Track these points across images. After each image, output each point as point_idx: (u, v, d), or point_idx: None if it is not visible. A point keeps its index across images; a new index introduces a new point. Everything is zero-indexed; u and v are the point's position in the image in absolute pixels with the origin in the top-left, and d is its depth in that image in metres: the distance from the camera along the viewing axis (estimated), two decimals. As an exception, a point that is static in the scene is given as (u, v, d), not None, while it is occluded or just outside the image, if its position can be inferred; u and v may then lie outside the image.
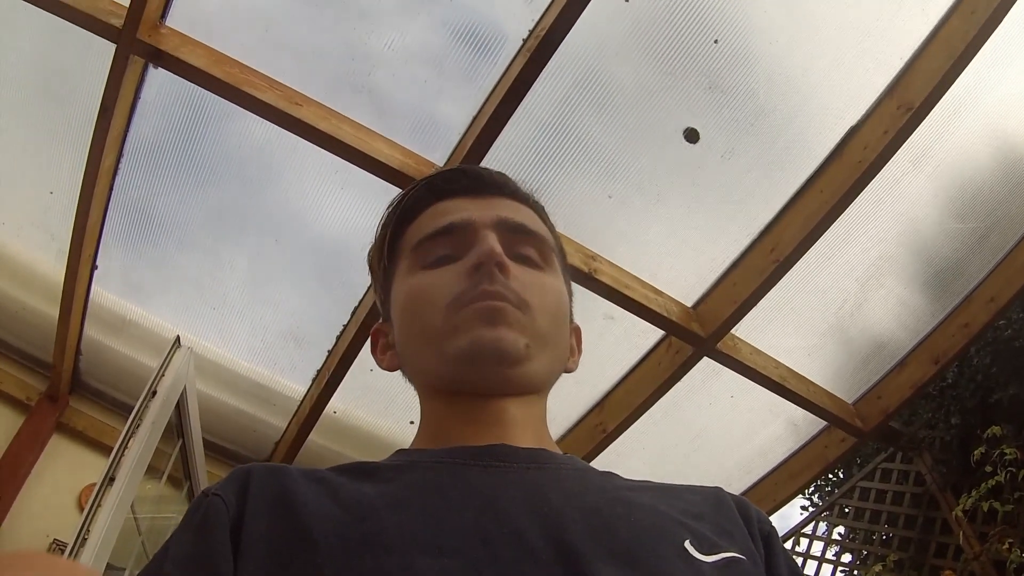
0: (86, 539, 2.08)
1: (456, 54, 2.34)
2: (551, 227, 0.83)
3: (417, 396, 0.78)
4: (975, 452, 3.74)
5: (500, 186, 0.80)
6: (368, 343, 0.87)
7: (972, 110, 2.51)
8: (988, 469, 3.56)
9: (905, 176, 2.65)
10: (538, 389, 0.74)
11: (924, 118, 2.34)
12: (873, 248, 2.81)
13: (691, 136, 2.57)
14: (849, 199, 2.49)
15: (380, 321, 0.83)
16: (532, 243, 0.77)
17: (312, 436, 3.06)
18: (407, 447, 0.74)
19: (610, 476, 0.71)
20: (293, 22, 2.36)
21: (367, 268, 0.86)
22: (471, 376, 0.70)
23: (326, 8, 2.34)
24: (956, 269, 2.90)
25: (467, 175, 0.81)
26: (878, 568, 3.79)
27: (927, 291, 2.99)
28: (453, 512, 0.59)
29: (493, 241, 0.72)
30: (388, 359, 0.80)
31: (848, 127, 2.49)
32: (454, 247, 0.74)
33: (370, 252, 0.85)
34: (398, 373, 0.80)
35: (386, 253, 0.80)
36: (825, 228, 2.55)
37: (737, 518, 0.67)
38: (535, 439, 0.71)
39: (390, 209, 0.82)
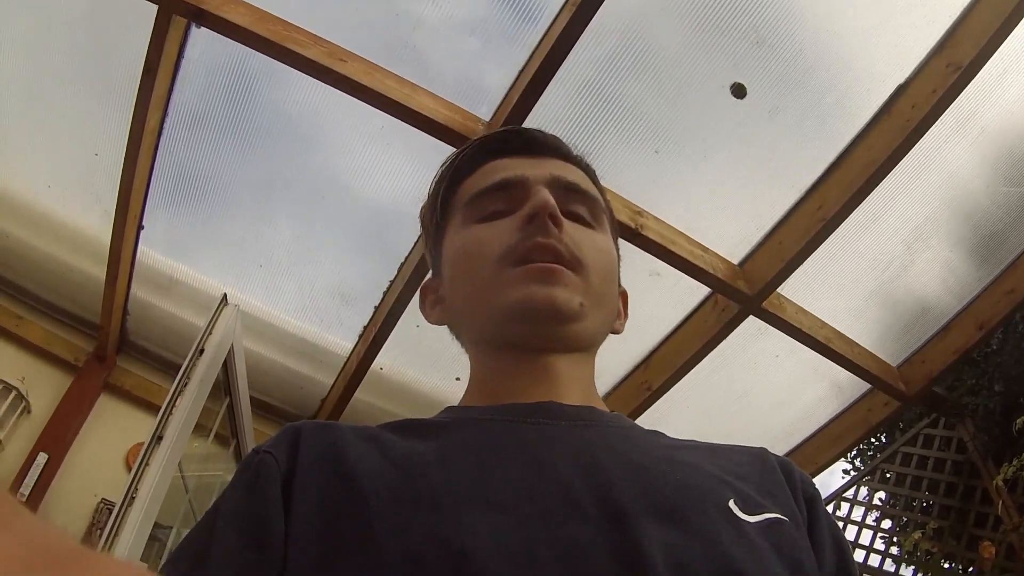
0: (134, 498, 2.10)
1: (499, 14, 2.32)
2: (601, 190, 0.83)
3: (464, 352, 0.78)
4: (1017, 421, 3.68)
5: (553, 148, 0.81)
6: (414, 299, 0.88)
7: (1021, 72, 2.45)
8: (1031, 439, 3.51)
9: (953, 136, 2.59)
10: (588, 347, 0.74)
11: (973, 78, 2.28)
12: (919, 210, 2.76)
13: (738, 91, 2.52)
14: (896, 159, 2.44)
15: (429, 277, 0.84)
16: (584, 202, 0.77)
17: (358, 393, 3.07)
18: (455, 404, 0.74)
19: (656, 435, 0.71)
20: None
21: (415, 225, 0.88)
22: (522, 332, 0.70)
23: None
24: (1003, 234, 2.84)
25: (521, 135, 0.82)
26: (917, 535, 3.76)
27: (973, 256, 2.94)
28: (502, 469, 0.59)
29: (547, 194, 0.72)
30: (437, 314, 0.80)
31: (896, 85, 2.44)
32: (507, 203, 0.74)
33: (422, 209, 0.85)
34: (444, 329, 0.80)
35: (438, 209, 0.80)
36: (872, 188, 2.50)
37: (781, 479, 0.66)
38: (583, 397, 0.71)
39: (443, 167, 0.83)
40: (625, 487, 0.57)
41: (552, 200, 0.71)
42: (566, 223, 0.72)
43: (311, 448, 0.61)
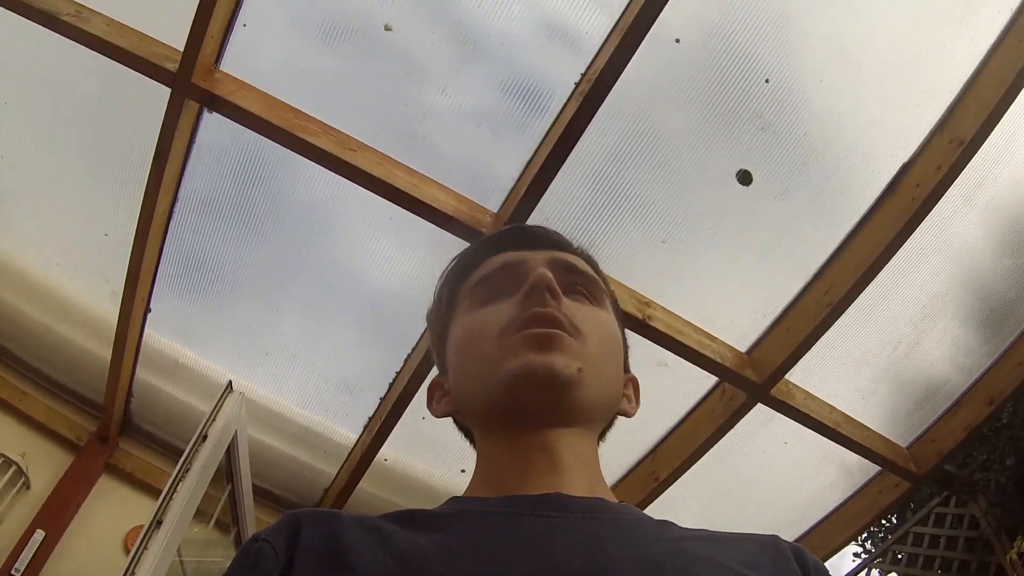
0: (132, 582, 2.09)
1: (507, 105, 2.36)
2: (603, 276, 0.84)
3: (470, 445, 0.78)
4: (1031, 494, 3.63)
5: (554, 240, 0.83)
6: (420, 390, 0.89)
7: None
8: (1045, 511, 3.46)
9: (958, 212, 2.60)
10: (589, 419, 0.73)
11: (976, 151, 2.30)
12: (927, 288, 2.77)
13: (744, 178, 2.54)
14: (903, 238, 2.45)
15: (436, 375, 0.84)
16: (584, 282, 0.79)
17: (362, 484, 3.04)
18: (460, 495, 0.73)
19: (666, 525, 0.70)
20: (346, 73, 2.39)
21: (423, 315, 0.88)
22: (522, 400, 0.69)
23: (378, 61, 2.36)
24: (1011, 306, 2.83)
25: (524, 231, 0.85)
26: (932, 615, 3.68)
27: (981, 330, 2.93)
28: (508, 563, 0.57)
29: (544, 269, 0.74)
30: (442, 406, 0.80)
31: (900, 163, 2.46)
32: (509, 286, 0.75)
33: (428, 310, 0.86)
34: (450, 421, 0.80)
35: (444, 306, 0.82)
36: (880, 268, 2.51)
37: (795, 567, 0.65)
38: (589, 485, 0.70)
39: (449, 266, 0.85)
40: None
41: (549, 274, 0.73)
42: (565, 299, 0.73)
43: (311, 538, 0.60)
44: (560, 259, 0.78)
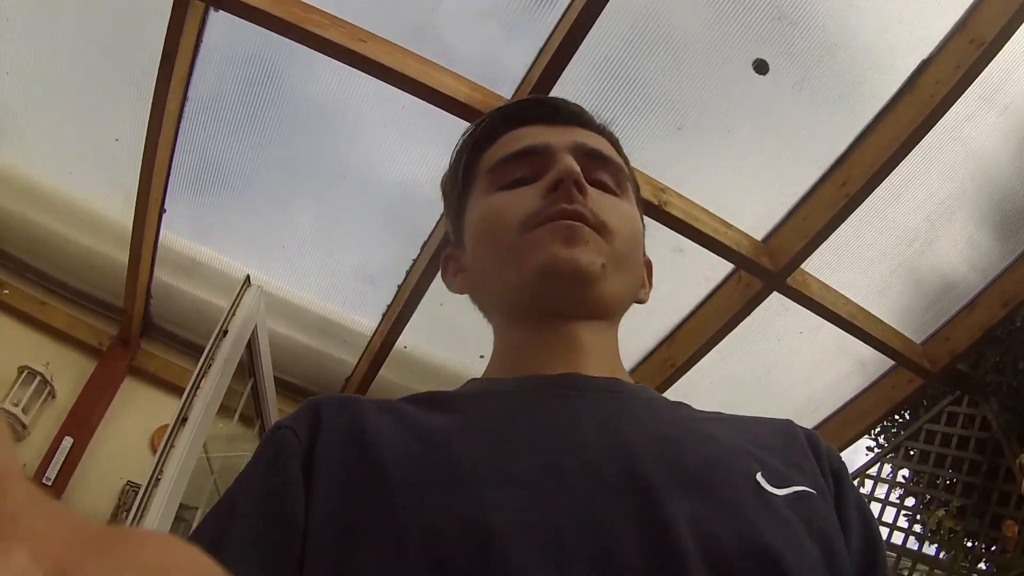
0: (159, 480, 2.12)
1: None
2: (625, 158, 0.82)
3: (488, 326, 0.78)
4: (1042, 398, 3.66)
5: (576, 115, 0.80)
6: (437, 278, 0.88)
7: None
8: (1055, 418, 3.49)
9: (977, 112, 2.56)
10: (612, 313, 0.73)
11: (997, 53, 2.26)
12: (943, 185, 2.74)
13: (761, 67, 2.50)
14: (920, 134, 2.42)
15: (451, 246, 0.83)
16: (608, 169, 0.76)
17: (383, 371, 3.08)
18: (478, 377, 0.73)
19: (682, 406, 0.70)
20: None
21: (437, 203, 0.87)
22: (545, 295, 0.69)
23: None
24: (1027, 209, 2.81)
25: (543, 104, 0.81)
26: (941, 514, 3.75)
27: (997, 232, 2.91)
28: (525, 442, 0.58)
29: (571, 160, 0.71)
30: (459, 282, 0.79)
31: (920, 60, 2.41)
32: (531, 170, 0.74)
33: (443, 178, 0.85)
34: (469, 307, 0.80)
35: (460, 178, 0.80)
36: (896, 163, 2.48)
37: (808, 452, 0.65)
38: (608, 368, 0.70)
39: (464, 136, 0.82)
40: (650, 460, 0.56)
41: (577, 167, 0.71)
42: (590, 190, 0.72)
43: (331, 423, 0.60)
44: (584, 144, 0.76)
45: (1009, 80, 2.47)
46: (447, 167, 0.83)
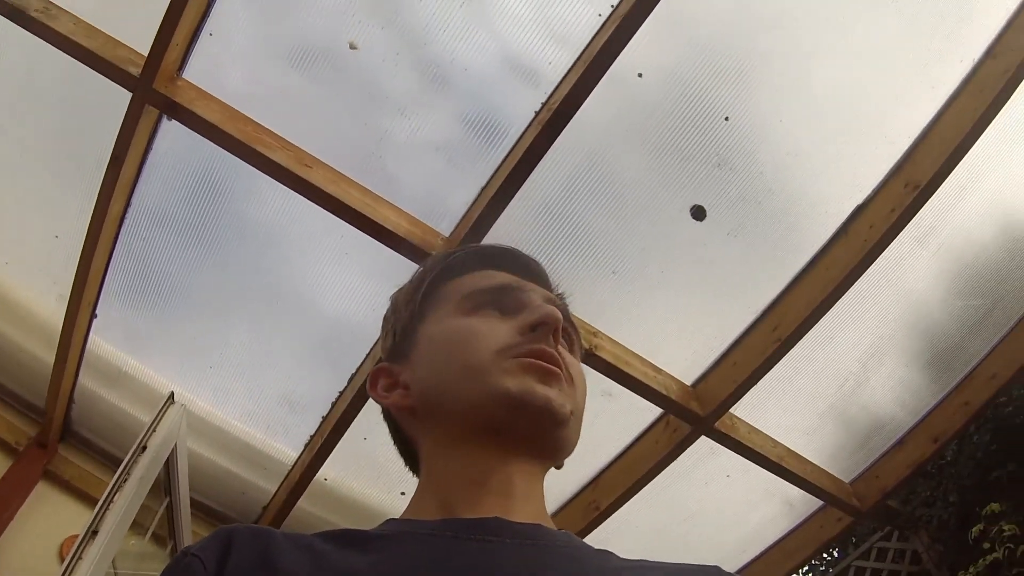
0: (65, 592, 2.06)
1: (465, 134, 2.36)
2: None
3: (407, 468, 0.78)
4: (973, 529, 3.70)
5: (544, 278, 0.86)
6: (363, 412, 0.87)
7: (978, 187, 2.51)
8: (986, 546, 3.52)
9: (910, 254, 2.64)
10: (556, 459, 0.75)
11: (931, 196, 2.34)
12: (875, 328, 2.81)
13: (698, 214, 2.57)
14: (853, 278, 2.49)
15: (384, 361, 0.83)
16: (572, 332, 0.82)
17: (301, 502, 3.01)
18: (397, 517, 0.73)
19: (606, 555, 0.70)
20: (308, 90, 2.38)
21: (369, 337, 0.91)
22: (503, 420, 0.70)
23: (340, 81, 2.35)
24: (958, 347, 2.88)
25: (516, 257, 0.86)
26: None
27: (929, 369, 2.98)
28: None
29: (554, 308, 0.74)
30: (396, 397, 0.78)
31: (855, 205, 2.50)
32: (503, 307, 0.77)
33: (397, 292, 0.86)
34: (390, 444, 0.80)
35: (420, 296, 0.81)
36: (829, 307, 2.55)
37: None
38: (533, 513, 0.70)
39: (435, 260, 0.85)
40: None
41: (561, 316, 0.74)
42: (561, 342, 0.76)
43: (242, 554, 0.59)
44: (554, 300, 0.80)
45: (943, 220, 2.55)
46: (407, 283, 0.85)
